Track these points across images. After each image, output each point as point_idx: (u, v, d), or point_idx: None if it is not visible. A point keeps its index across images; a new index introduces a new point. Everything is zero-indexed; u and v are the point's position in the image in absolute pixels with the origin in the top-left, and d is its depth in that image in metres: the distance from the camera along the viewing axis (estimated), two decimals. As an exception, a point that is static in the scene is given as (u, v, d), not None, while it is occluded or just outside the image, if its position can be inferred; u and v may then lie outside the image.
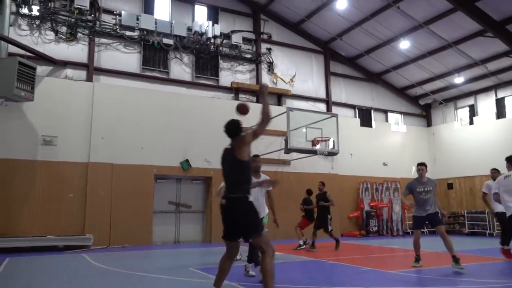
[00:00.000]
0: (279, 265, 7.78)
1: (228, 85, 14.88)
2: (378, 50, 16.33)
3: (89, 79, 12.56)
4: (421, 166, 7.43)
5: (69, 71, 12.46)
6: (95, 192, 11.79)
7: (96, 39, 12.87)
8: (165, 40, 13.78)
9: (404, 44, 15.25)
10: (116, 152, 12.27)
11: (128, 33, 13.30)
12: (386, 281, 6.12)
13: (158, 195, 12.97)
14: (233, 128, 4.61)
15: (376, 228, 16.27)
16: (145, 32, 13.49)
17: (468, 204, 16.85)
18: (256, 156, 6.15)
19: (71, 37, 12.54)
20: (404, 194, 7.64)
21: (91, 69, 12.63)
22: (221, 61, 14.97)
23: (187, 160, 13.21)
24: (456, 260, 6.58)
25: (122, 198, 12.08)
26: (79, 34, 12.68)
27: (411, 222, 8.06)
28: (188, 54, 14.37)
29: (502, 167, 15.86)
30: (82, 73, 12.61)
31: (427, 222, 7.30)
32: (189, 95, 13.97)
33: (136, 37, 13.42)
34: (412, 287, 5.73)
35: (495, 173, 8.95)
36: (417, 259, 7.15)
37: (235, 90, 14.94)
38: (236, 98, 14.93)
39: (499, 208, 8.13)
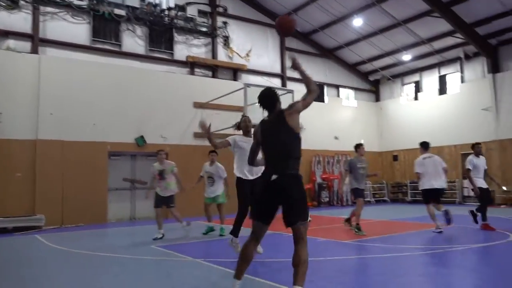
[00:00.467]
0: (241, 239, 8.02)
1: (184, 59, 14.58)
2: (332, 26, 16.61)
3: (34, 51, 11.80)
4: (363, 146, 8.48)
5: (11, 42, 11.62)
6: (45, 171, 11.32)
7: (41, 8, 12.02)
8: (117, 11, 13.16)
9: (357, 22, 15.61)
10: (67, 129, 11.78)
11: (76, 1, 12.53)
12: (343, 250, 6.53)
13: (113, 172, 12.70)
14: (272, 97, 3.96)
15: (328, 199, 17.03)
16: (94, 1, 12.79)
17: (411, 175, 17.94)
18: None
19: (12, 4, 11.63)
20: (346, 170, 8.51)
21: (36, 40, 11.85)
22: (175, 34, 14.57)
23: (142, 136, 12.97)
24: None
25: (74, 176, 11.70)
26: (21, 2, 11.78)
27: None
28: (141, 26, 13.84)
29: (444, 141, 17.07)
30: (27, 45, 11.81)
31: None
32: (142, 69, 13.57)
33: (85, 6, 12.68)
34: (368, 255, 6.16)
35: (480, 147, 8.71)
36: (360, 228, 7.95)
37: (191, 64, 14.68)
38: (192, 72, 14.70)
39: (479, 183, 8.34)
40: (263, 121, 3.88)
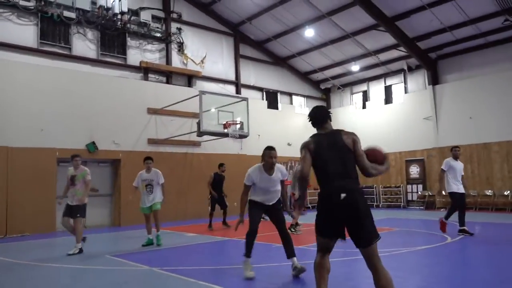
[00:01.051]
0: (195, 247, 8.08)
1: (137, 64, 14.38)
2: (285, 36, 17.06)
3: (-24, 52, 11.18)
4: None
5: (-50, 42, 10.94)
6: (-13, 178, 10.73)
7: (-16, 7, 11.43)
8: (66, 13, 12.73)
9: (309, 32, 16.16)
10: (12, 135, 11.25)
11: (22, 2, 11.99)
12: (299, 256, 6.77)
13: (62, 179, 12.21)
14: (324, 112, 3.87)
15: (281, 204, 17.35)
16: (42, 3, 12.33)
17: (360, 180, 18.80)
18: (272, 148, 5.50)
19: (-48, 2, 10.96)
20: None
21: (-22, 41, 11.24)
22: (128, 39, 14.34)
23: (93, 142, 12.62)
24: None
25: (21, 184, 11.18)
26: (-38, 0, 11.14)
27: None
28: (93, 30, 13.50)
29: (389, 148, 17.94)
30: (-33, 45, 11.17)
31: None
32: (94, 74, 13.22)
33: (32, 7, 12.17)
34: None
35: (457, 151, 8.57)
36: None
37: (144, 69, 14.51)
38: (145, 78, 14.52)
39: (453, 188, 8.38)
40: (321, 134, 3.74)
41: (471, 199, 14.92)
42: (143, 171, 8.26)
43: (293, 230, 9.27)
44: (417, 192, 16.90)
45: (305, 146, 3.62)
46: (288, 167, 18.02)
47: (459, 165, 8.46)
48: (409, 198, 17.20)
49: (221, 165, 11.90)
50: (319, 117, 3.81)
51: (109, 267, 6.27)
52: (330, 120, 3.82)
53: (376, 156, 3.69)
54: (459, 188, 8.34)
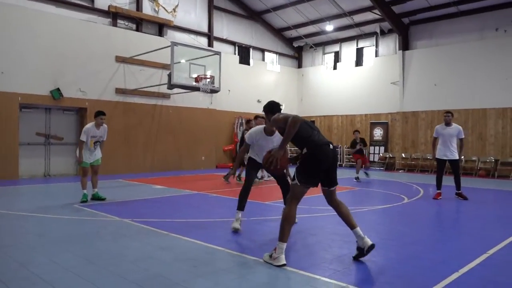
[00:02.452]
0: (164, 199, 8.23)
1: (105, 8, 13.70)
2: (261, -11, 16.63)
3: None
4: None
5: None
6: None
7: None
8: None
9: (286, -13, 15.81)
10: (-30, 76, 10.67)
11: None
12: (263, 212, 7.07)
13: (24, 126, 11.90)
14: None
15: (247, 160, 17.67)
16: None
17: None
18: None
19: None
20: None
21: None
22: (96, -20, 13.54)
23: (58, 89, 12.19)
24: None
25: (-20, 129, 10.78)
26: None
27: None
28: (57, -33, 12.62)
29: (356, 110, 18.44)
30: None
31: None
32: (59, 15, 12.53)
33: None
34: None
35: (448, 116, 8.48)
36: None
37: (113, 14, 13.87)
38: (114, 24, 13.91)
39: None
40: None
41: (428, 162, 15.75)
42: (92, 126, 7.58)
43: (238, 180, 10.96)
44: (379, 153, 17.63)
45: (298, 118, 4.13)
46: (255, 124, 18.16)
47: (447, 130, 8.35)
48: (371, 159, 17.92)
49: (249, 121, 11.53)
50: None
51: (79, 217, 6.33)
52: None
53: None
54: (443, 154, 8.36)
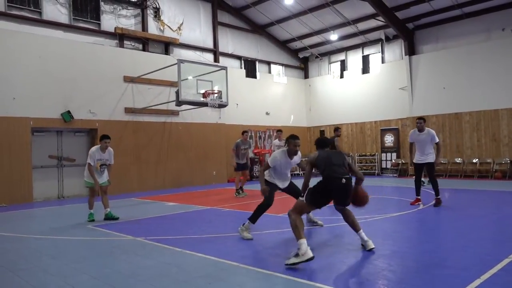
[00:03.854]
0: (177, 216, 8.20)
1: (112, 30, 13.93)
2: (264, 3, 16.79)
3: None
4: (246, 133, 11.61)
5: None
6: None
7: None
8: (35, -25, 12.10)
9: (288, 0, 15.94)
10: (-17, 103, 10.88)
11: (-14, -38, 11.31)
12: (277, 224, 7.00)
13: (37, 149, 12.05)
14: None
15: (258, 172, 17.63)
16: (9, -37, 11.64)
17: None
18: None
19: None
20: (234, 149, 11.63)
21: None
22: (102, 3, 13.81)
23: (68, 111, 12.35)
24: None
25: (-6, 154, 10.94)
26: None
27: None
28: (64, -7, 12.92)
29: (366, 117, 18.35)
30: None
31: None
32: (67, 40, 12.76)
33: (-3, -32, 11.50)
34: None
35: (420, 123, 8.37)
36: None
37: (120, 36, 14.08)
38: (121, 45, 14.12)
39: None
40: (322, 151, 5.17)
41: (442, 167, 15.56)
42: (96, 150, 7.74)
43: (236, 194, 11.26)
44: (391, 160, 17.45)
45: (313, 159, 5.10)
46: (267, 136, 18.17)
47: (421, 136, 8.30)
48: (383, 166, 17.75)
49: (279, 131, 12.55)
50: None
51: (92, 237, 6.34)
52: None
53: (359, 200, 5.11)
54: (419, 158, 8.32)
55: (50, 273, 4.40)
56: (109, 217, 7.84)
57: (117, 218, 7.86)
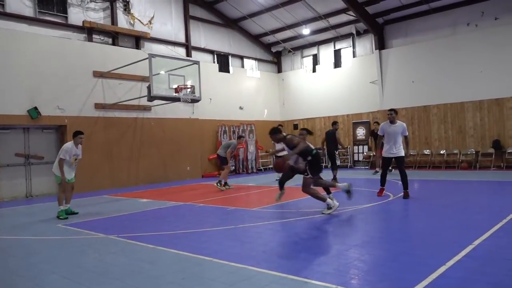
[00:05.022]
0: (150, 212, 8.12)
1: (80, 23, 13.54)
2: (236, -3, 16.69)
3: None
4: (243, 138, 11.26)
5: None
6: None
7: None
8: (-3, -35, 11.60)
9: (260, -6, 15.91)
10: None
11: None
12: (251, 218, 7.04)
13: (3, 147, 11.65)
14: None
15: (234, 167, 17.65)
16: (-32, -47, 11.12)
17: (310, 142, 19.36)
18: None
19: None
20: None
21: None
22: (69, -4, 13.40)
23: (35, 108, 11.96)
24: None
25: (-44, 153, 10.50)
26: None
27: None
28: (28, -15, 12.45)
29: (338, 110, 18.59)
30: None
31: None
32: (32, 34, 12.32)
33: (-45, -43, 10.96)
34: (276, 220, 6.74)
35: (391, 114, 8.39)
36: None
37: (88, 30, 13.71)
38: (90, 39, 13.76)
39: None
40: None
41: (411, 158, 15.99)
42: (72, 146, 7.90)
43: (218, 185, 11.42)
44: (363, 152, 17.79)
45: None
46: (240, 130, 18.16)
47: (392, 128, 8.31)
48: (356, 158, 18.08)
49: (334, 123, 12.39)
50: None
51: (63, 236, 6.20)
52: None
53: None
54: (389, 152, 8.33)
55: (18, 274, 4.29)
56: (69, 212, 8.06)
57: (76, 213, 8.17)
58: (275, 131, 7.03)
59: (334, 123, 12.43)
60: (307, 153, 6.77)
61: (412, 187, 9.65)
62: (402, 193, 8.39)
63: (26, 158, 12.22)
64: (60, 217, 7.69)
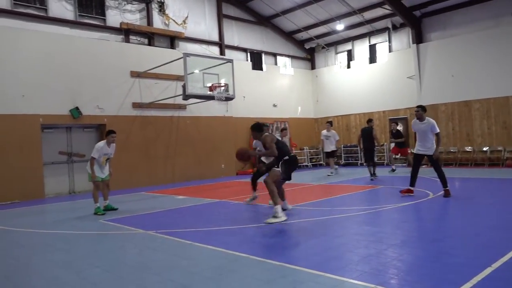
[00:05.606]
0: (186, 209, 8.26)
1: (117, 25, 13.95)
2: (269, -6, 16.67)
3: None
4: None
5: None
6: (-30, 146, 10.59)
7: (-49, -34, 10.78)
8: (40, -28, 12.13)
9: (293, -10, 15.80)
10: (-8, 101, 11.00)
11: (-8, -40, 11.36)
12: (286, 216, 7.01)
13: (47, 146, 12.18)
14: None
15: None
16: (14, -39, 11.68)
17: (344, 139, 19.12)
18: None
19: None
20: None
21: None
22: (107, -1, 13.83)
23: (77, 108, 12.44)
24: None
25: (5, 152, 11.08)
26: None
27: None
28: (69, -11, 12.95)
29: (373, 107, 18.22)
30: None
31: None
32: (73, 36, 12.81)
33: (2, -34, 11.54)
34: (308, 218, 6.69)
35: (418, 111, 8.13)
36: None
37: (125, 31, 14.10)
38: (127, 40, 14.15)
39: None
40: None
41: (452, 156, 15.45)
42: (104, 145, 8.12)
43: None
44: (399, 150, 17.30)
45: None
46: (274, 128, 18.14)
47: (418, 125, 8.08)
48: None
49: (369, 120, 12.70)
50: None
51: (104, 231, 6.42)
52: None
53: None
54: (419, 149, 8.08)
55: (63, 267, 4.47)
56: (108, 208, 8.32)
57: (116, 209, 8.37)
58: (259, 129, 6.50)
59: (370, 121, 12.38)
60: (284, 153, 6.38)
61: (453, 185, 9.32)
62: (443, 192, 8.08)
63: (68, 156, 12.73)
64: (98, 213, 7.98)
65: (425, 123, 8.02)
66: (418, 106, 8.27)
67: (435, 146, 7.97)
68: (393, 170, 13.62)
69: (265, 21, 18.72)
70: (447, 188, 7.98)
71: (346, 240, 5.04)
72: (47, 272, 4.31)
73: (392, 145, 14.46)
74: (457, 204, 7.32)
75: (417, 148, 8.14)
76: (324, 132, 14.36)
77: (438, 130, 8.02)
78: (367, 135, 11.99)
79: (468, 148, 15.36)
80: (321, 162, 19.74)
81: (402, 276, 3.64)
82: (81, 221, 7.51)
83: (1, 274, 4.35)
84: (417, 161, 8.22)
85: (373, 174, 11.95)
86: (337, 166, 15.16)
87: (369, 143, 11.98)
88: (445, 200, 7.66)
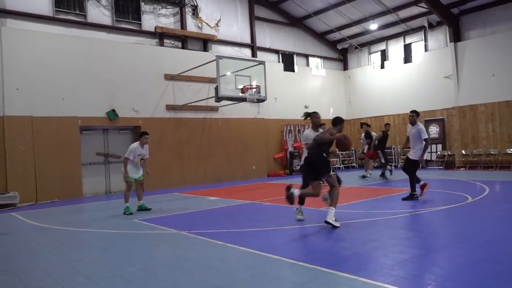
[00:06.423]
0: (219, 210, 8.33)
1: (152, 29, 14.28)
2: (301, -5, 16.59)
3: (-6, 22, 11.26)
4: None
5: (-32, 14, 11.02)
6: (15, 147, 11.11)
7: (-2, -23, 11.38)
8: (79, -21, 12.61)
9: (326, -10, 15.65)
10: (35, 104, 11.53)
11: (35, -30, 11.90)
12: (319, 218, 6.94)
13: (85, 147, 12.61)
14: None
15: (299, 167, 17.54)
16: (55, -30, 12.19)
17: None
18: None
19: (-34, -27, 10.93)
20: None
21: (-5, 11, 11.29)
22: (142, 4, 14.18)
23: (113, 110, 12.82)
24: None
25: (46, 152, 11.58)
26: (-24, -30, 11.09)
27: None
28: (106, -5, 13.38)
29: (408, 108, 17.71)
30: (-15, 16, 11.23)
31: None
32: (110, 41, 13.23)
33: (45, -25, 12.07)
34: (343, 221, 6.59)
35: (412, 116, 8.27)
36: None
37: (160, 35, 14.41)
38: (161, 43, 14.45)
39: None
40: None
41: (492, 158, 14.85)
42: (137, 146, 8.33)
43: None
44: (436, 152, 16.81)
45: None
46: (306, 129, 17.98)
47: (410, 130, 8.19)
48: (428, 158, 17.10)
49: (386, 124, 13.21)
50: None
51: (139, 231, 6.57)
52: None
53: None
54: (409, 153, 8.17)
55: (100, 265, 4.61)
56: (142, 209, 8.54)
57: (150, 209, 8.55)
58: (341, 121, 6.69)
59: (386, 124, 13.32)
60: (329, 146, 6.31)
61: (493, 188, 8.94)
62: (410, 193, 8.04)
63: (105, 157, 13.13)
64: (126, 213, 8.18)
65: (415, 128, 8.08)
66: (412, 111, 8.35)
67: (420, 152, 7.95)
68: (364, 177, 13.39)
69: (297, 22, 18.65)
70: (414, 193, 8.00)
71: (380, 245, 4.93)
72: (86, 269, 4.46)
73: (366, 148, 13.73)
74: (498, 208, 7.01)
75: (409, 153, 8.19)
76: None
77: (425, 136, 7.95)
78: (386, 138, 12.83)
79: (510, 150, 14.69)
80: (354, 164, 19.43)
81: (440, 282, 3.51)
82: (116, 220, 7.73)
83: (44, 271, 4.53)
84: (407, 165, 8.25)
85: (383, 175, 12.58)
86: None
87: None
88: (485, 204, 7.36)
